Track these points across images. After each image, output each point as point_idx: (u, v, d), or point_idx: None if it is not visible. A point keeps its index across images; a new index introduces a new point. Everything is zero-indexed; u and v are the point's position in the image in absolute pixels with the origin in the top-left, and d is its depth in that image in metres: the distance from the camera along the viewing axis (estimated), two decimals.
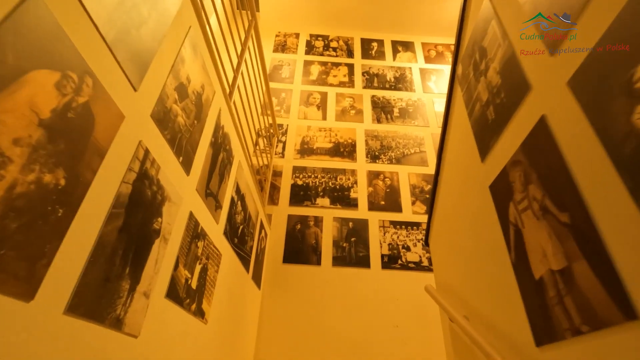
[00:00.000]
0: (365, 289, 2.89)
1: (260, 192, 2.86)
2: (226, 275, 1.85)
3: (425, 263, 3.03)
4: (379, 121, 4.00)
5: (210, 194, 1.57)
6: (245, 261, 2.24)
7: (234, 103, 2.08)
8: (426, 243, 1.92)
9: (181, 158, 1.25)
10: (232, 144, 1.91)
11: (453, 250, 1.64)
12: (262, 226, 2.75)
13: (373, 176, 3.55)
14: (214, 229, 1.65)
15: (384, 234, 3.18)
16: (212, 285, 1.63)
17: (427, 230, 1.91)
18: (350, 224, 3.22)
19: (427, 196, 3.43)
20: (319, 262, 3.00)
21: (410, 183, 3.52)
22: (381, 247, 3.11)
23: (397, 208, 3.35)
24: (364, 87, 4.32)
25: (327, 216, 3.25)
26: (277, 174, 3.52)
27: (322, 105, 4.10)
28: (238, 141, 2.05)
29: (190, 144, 1.33)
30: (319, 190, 3.42)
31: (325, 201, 3.35)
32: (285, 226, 3.18)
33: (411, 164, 3.66)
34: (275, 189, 3.41)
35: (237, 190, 2.03)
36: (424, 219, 3.28)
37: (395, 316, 2.79)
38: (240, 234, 2.11)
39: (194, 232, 1.39)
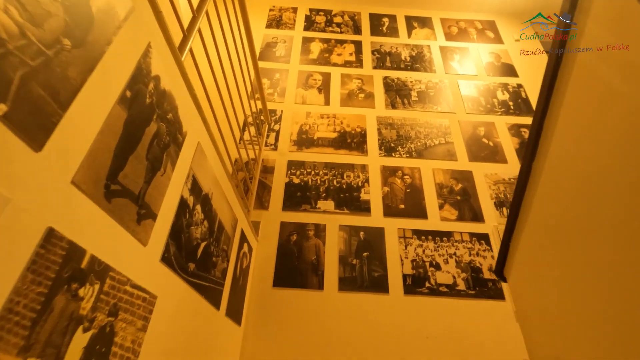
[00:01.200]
0: (383, 323, 2.16)
1: (242, 193, 2.13)
2: (170, 327, 1.12)
3: (462, 286, 2.30)
4: (393, 106, 3.28)
5: (120, 192, 0.84)
6: (212, 293, 1.51)
7: (193, 57, 1.36)
8: (499, 274, 1.18)
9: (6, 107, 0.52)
10: (182, 114, 1.19)
11: (572, 290, 0.91)
12: (243, 239, 2.02)
13: (389, 173, 2.81)
14: (134, 255, 0.92)
15: (406, 247, 2.45)
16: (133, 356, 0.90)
17: (503, 255, 1.16)
18: (362, 234, 2.49)
19: (459, 198, 2.69)
20: (320, 286, 2.26)
21: (436, 181, 2.78)
22: (402, 265, 2.37)
23: (421, 213, 2.61)
24: (375, 67, 3.60)
25: (332, 224, 2.52)
26: (268, 170, 2.79)
27: (325, 88, 3.37)
28: (197, 113, 1.33)
29: (47, 83, 0.61)
30: (321, 190, 2.69)
31: (329, 204, 2.62)
32: (277, 237, 2.45)
33: (436, 158, 2.93)
34: (264, 189, 2.68)
35: (195, 189, 1.30)
36: (457, 227, 2.54)
37: None
38: (201, 256, 1.38)
39: (63, 270, 0.66)
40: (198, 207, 1.34)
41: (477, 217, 2.61)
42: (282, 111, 3.17)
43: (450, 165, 2.89)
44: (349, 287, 2.26)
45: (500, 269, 1.13)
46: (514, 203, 1.03)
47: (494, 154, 2.98)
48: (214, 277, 1.53)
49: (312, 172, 2.78)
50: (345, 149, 2.95)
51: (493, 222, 2.59)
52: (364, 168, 2.83)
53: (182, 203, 1.20)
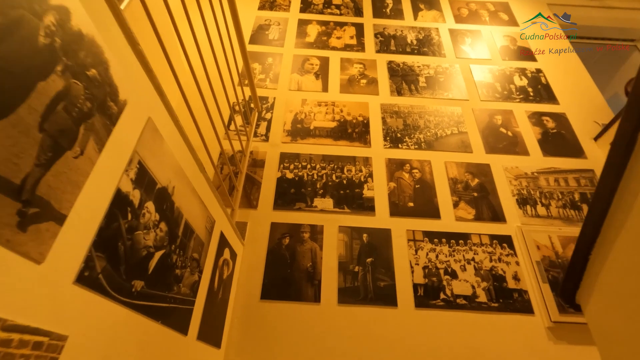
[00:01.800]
0: (391, 341, 1.82)
1: (224, 190, 1.80)
2: None
3: (483, 298, 1.96)
4: (399, 93, 2.93)
5: None
6: (176, 316, 1.18)
7: (145, 4, 1.02)
8: (568, 300, 0.83)
9: None
10: (118, 76, 0.85)
11: None
12: (224, 243, 1.69)
13: (395, 166, 2.48)
14: (15, 278, 0.59)
15: (416, 251, 2.11)
16: None
17: (575, 276, 0.80)
18: (365, 236, 2.15)
19: (475, 194, 2.35)
20: (317, 298, 1.93)
21: (449, 176, 2.44)
22: (413, 272, 2.03)
23: (433, 212, 2.27)
24: (378, 51, 3.26)
25: (330, 224, 2.18)
26: (257, 163, 2.45)
27: (322, 73, 3.03)
28: (146, 78, 0.99)
29: None
30: (318, 186, 2.35)
31: (327, 202, 2.28)
32: (266, 240, 2.11)
33: (449, 150, 2.59)
34: (253, 185, 2.34)
35: (142, 179, 0.96)
36: (475, 228, 2.20)
37: None
38: (156, 269, 1.04)
39: None
40: (150, 205, 1.00)
41: (498, 216, 2.27)
42: (274, 98, 2.83)
43: (465, 158, 2.54)
44: (350, 300, 1.93)
45: (570, 294, 0.79)
46: (596, 208, 0.69)
47: (513, 145, 2.63)
48: (177, 295, 1.19)
49: (308, 166, 2.44)
50: (345, 139, 2.61)
51: (516, 223, 2.25)
52: (366, 161, 2.49)
53: (120, 199, 0.86)
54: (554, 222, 2.26)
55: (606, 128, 2.60)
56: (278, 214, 2.22)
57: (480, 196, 2.36)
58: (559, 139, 2.68)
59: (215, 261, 1.58)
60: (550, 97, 2.95)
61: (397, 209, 2.27)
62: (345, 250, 2.09)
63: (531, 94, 2.98)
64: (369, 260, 2.06)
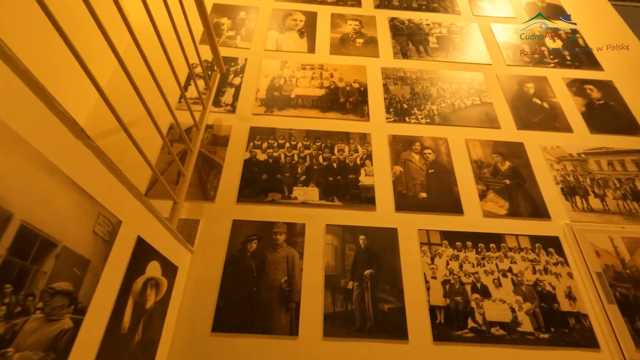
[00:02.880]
0: None
1: (154, 175, 1.20)
2: None
3: (527, 325, 1.39)
4: (405, 55, 2.33)
5: None
6: None
7: None
8: None
9: None
10: None
11: None
12: (148, 255, 1.09)
13: (402, 146, 1.88)
14: None
15: (432, 259, 1.53)
16: None
17: None
18: (362, 239, 1.57)
19: (508, 182, 1.78)
20: (294, 330, 1.34)
21: (472, 158, 1.86)
22: (429, 289, 1.46)
23: (453, 205, 1.69)
24: (377, 7, 2.64)
25: (315, 223, 1.60)
26: (219, 141, 1.84)
27: (308, 31, 2.41)
28: None
29: None
30: (299, 171, 1.76)
31: (312, 193, 1.69)
32: (225, 245, 1.52)
33: (470, 125, 2.00)
34: (211, 168, 1.74)
35: None
36: (511, 226, 1.63)
37: None
38: None
39: None
40: None
41: (539, 210, 1.70)
42: (246, 60, 2.21)
43: (492, 135, 1.96)
44: (341, 331, 1.35)
45: None
46: None
47: (551, 119, 2.06)
48: None
49: (287, 145, 1.84)
50: (336, 111, 2.00)
51: (563, 219, 1.68)
52: (364, 138, 1.89)
53: None
54: (613, 219, 1.69)
55: None
56: (243, 209, 1.62)
57: (514, 184, 1.78)
58: (607, 112, 2.11)
59: (125, 286, 0.98)
60: (592, 62, 2.37)
61: (405, 202, 1.68)
62: (335, 259, 1.51)
63: (568, 58, 2.39)
64: (367, 272, 1.48)
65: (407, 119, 2.00)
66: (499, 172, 1.82)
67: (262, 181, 1.71)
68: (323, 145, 1.85)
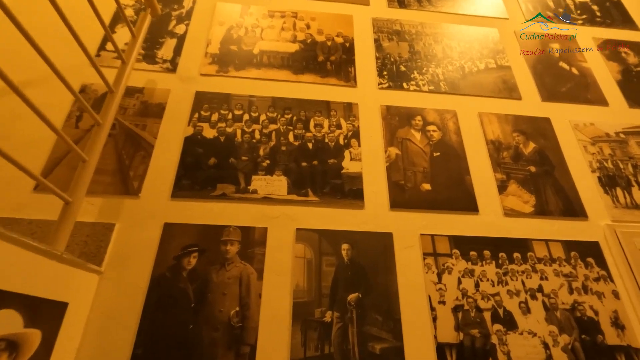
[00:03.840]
0: None
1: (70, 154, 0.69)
2: None
3: None
4: (402, 4, 1.83)
5: None
6: None
7: None
8: None
9: None
10: None
11: None
12: None
13: (398, 120, 1.44)
14: None
15: (439, 276, 1.13)
16: None
17: None
18: (346, 248, 1.14)
19: (533, 169, 1.38)
20: None
21: (487, 137, 1.44)
22: (435, 319, 1.06)
23: (466, 201, 1.28)
24: None
25: (280, 226, 1.16)
26: (151, 111, 1.34)
27: None
28: None
29: None
30: (261, 153, 1.29)
31: (277, 184, 1.23)
32: (151, 262, 1.06)
33: (483, 94, 1.57)
34: (137, 149, 1.25)
35: None
36: (539, 229, 1.25)
37: None
38: None
39: None
40: None
41: (573, 207, 1.32)
42: (193, 2, 1.66)
43: (511, 107, 1.54)
44: None
45: None
46: None
47: (582, 89, 1.65)
48: None
49: (246, 117, 1.36)
50: (313, 73, 1.52)
51: (604, 219, 1.30)
52: (349, 110, 1.43)
53: None
54: None
55: None
56: (180, 207, 1.15)
57: (540, 172, 1.38)
58: None
59: None
60: (626, 20, 1.94)
61: (402, 196, 1.26)
62: (308, 279, 1.08)
63: (598, 14, 1.96)
64: (352, 297, 1.07)
65: (405, 85, 1.54)
66: (522, 156, 1.41)
67: (209, 167, 1.24)
68: (295, 118, 1.39)
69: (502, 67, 1.66)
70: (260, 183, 1.22)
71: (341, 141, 1.35)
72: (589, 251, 1.23)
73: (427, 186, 1.29)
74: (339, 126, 1.38)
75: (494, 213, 1.27)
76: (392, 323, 1.04)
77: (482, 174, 1.34)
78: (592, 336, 1.09)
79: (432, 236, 1.20)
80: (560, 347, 1.06)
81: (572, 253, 1.22)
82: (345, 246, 1.15)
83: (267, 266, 1.08)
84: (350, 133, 1.37)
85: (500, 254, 1.19)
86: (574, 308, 1.13)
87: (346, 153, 1.33)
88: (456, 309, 1.09)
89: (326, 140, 1.35)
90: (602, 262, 1.21)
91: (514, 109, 1.53)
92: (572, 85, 1.65)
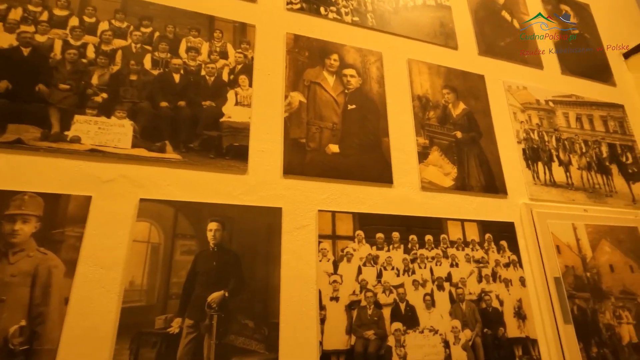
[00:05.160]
0: None
1: None
2: None
3: None
4: None
5: None
6: None
7: None
8: None
9: None
10: None
11: None
12: None
13: (309, 57, 1.08)
14: None
15: (336, 264, 0.89)
16: None
17: None
18: (213, 229, 0.82)
19: (459, 135, 1.17)
20: None
21: (414, 91, 1.17)
22: (323, 321, 0.83)
23: (380, 170, 1.03)
24: None
25: (115, 194, 0.78)
26: None
27: None
28: None
29: None
30: (94, 81, 0.85)
31: (118, 131, 0.83)
32: None
33: (417, 36, 1.27)
34: None
35: None
36: (455, 207, 1.07)
37: None
38: None
39: None
40: None
41: (494, 183, 1.16)
42: None
43: (445, 57, 1.28)
44: None
45: None
46: None
47: (521, 46, 1.45)
48: None
49: (75, 22, 0.88)
50: None
51: (522, 197, 1.17)
52: (242, 32, 1.03)
53: None
54: (576, 197, 1.26)
55: None
56: None
57: (467, 139, 1.18)
58: (582, 46, 1.59)
59: None
60: None
61: (301, 159, 0.96)
62: (150, 273, 0.75)
63: None
64: (214, 297, 0.78)
65: (322, 9, 1.16)
66: (450, 118, 1.19)
67: None
68: (157, 34, 0.94)
69: (441, 6, 1.36)
70: (88, 127, 0.80)
71: (225, 76, 0.96)
72: (504, 233, 1.09)
73: (334, 148, 1.00)
74: (224, 55, 0.98)
75: (410, 186, 1.05)
76: (267, 329, 0.79)
77: (402, 136, 1.09)
78: (494, 329, 0.97)
79: (333, 213, 0.93)
80: (460, 344, 0.93)
81: (487, 235, 1.07)
82: (213, 226, 0.82)
83: (84, 255, 0.72)
84: (239, 67, 0.99)
85: (411, 237, 0.98)
86: (480, 298, 0.99)
87: (230, 94, 0.95)
88: (351, 306, 0.87)
89: (202, 73, 0.95)
90: (514, 246, 1.09)
91: (448, 60, 1.27)
92: (512, 40, 1.44)
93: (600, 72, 1.56)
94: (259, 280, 0.82)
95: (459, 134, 1.17)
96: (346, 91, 1.08)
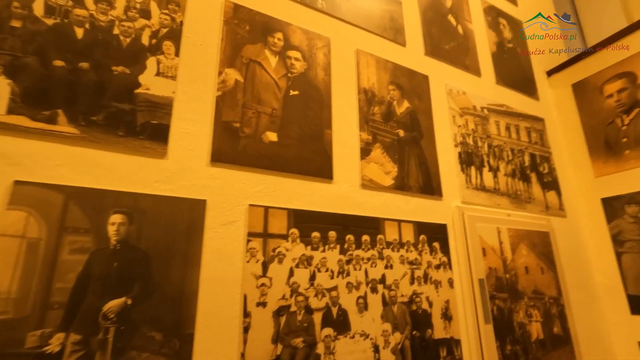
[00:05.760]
0: None
1: None
2: None
3: None
4: None
5: None
6: None
7: None
8: None
9: None
10: None
11: None
12: None
13: (249, 32, 0.96)
14: None
15: (265, 265, 0.80)
16: None
17: None
18: (117, 222, 0.68)
19: (402, 134, 1.14)
20: None
21: (361, 84, 1.12)
22: (246, 329, 0.74)
23: (319, 164, 0.96)
24: None
25: None
26: None
27: None
28: None
29: None
30: None
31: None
32: None
33: (367, 27, 1.22)
34: None
35: None
36: (393, 207, 1.04)
37: None
38: None
39: None
40: None
41: (431, 184, 1.16)
42: None
43: (393, 53, 1.25)
44: None
45: None
46: None
47: (463, 52, 1.48)
48: None
49: None
50: None
51: (455, 200, 1.19)
52: None
53: None
54: (501, 202, 1.32)
55: (570, 62, 1.72)
56: None
57: (408, 138, 1.16)
58: (514, 61, 1.69)
59: None
60: None
61: (233, 146, 0.84)
62: (24, 276, 0.59)
63: None
64: (112, 305, 0.64)
65: None
66: (394, 115, 1.16)
67: None
68: None
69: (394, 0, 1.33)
70: None
71: (145, 40, 0.80)
72: (437, 235, 1.10)
73: (272, 136, 0.90)
74: (145, 13, 0.82)
75: (351, 182, 0.99)
76: (179, 342, 0.67)
77: (346, 130, 1.03)
78: (422, 331, 0.97)
79: (266, 208, 0.84)
80: (390, 348, 0.91)
81: (421, 237, 1.06)
82: (116, 218, 0.68)
83: None
84: (164, 30, 0.83)
85: (348, 237, 0.93)
86: (411, 300, 0.98)
87: (150, 61, 0.80)
88: (279, 312, 0.79)
89: (115, 32, 0.78)
90: (445, 247, 1.10)
91: (395, 56, 1.24)
92: (456, 45, 1.46)
93: (528, 86, 1.68)
94: (173, 285, 0.70)
95: (401, 133, 1.15)
96: (289, 75, 0.99)
